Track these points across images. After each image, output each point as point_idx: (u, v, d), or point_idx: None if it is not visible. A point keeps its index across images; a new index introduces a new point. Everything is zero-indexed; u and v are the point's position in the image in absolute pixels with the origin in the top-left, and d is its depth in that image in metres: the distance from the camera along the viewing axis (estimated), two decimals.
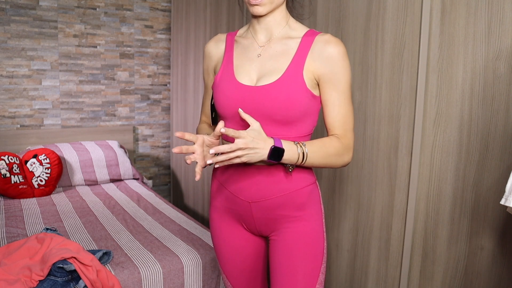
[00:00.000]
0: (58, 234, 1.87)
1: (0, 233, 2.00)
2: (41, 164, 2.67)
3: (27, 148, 2.97)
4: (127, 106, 3.47)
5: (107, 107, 3.38)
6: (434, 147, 1.52)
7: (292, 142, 1.08)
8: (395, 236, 1.68)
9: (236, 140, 1.00)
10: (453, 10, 1.43)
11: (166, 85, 3.62)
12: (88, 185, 2.96)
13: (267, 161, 1.06)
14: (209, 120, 1.35)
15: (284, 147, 1.05)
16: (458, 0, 1.41)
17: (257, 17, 1.16)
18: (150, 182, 3.33)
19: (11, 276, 1.49)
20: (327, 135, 1.17)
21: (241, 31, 1.26)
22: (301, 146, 1.08)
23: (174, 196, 3.66)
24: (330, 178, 1.96)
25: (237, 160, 1.02)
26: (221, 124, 1.04)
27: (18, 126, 3.06)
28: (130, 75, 3.44)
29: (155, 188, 3.68)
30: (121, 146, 3.29)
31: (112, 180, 3.06)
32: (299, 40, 1.14)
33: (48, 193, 2.69)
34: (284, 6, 1.17)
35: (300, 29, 1.17)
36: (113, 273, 1.62)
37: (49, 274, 1.52)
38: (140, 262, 1.72)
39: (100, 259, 1.66)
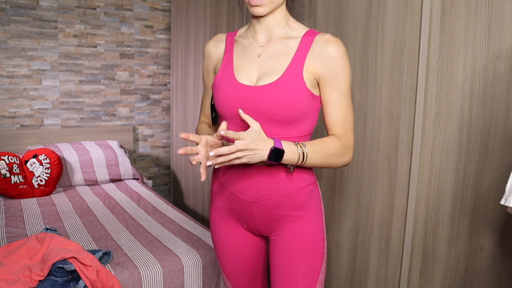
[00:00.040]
0: (58, 234, 1.87)
1: (0, 233, 2.00)
2: (41, 164, 2.67)
3: (27, 148, 2.98)
4: (127, 106, 3.47)
5: (107, 107, 3.38)
6: (434, 147, 1.52)
7: (292, 143, 1.08)
8: (395, 236, 1.68)
9: (235, 142, 1.00)
10: (453, 10, 1.43)
11: (166, 85, 3.62)
12: (88, 185, 2.96)
13: (267, 162, 1.06)
14: (209, 120, 1.35)
15: (284, 147, 1.05)
16: (458, 0, 1.41)
17: (257, 17, 1.16)
18: (150, 182, 3.33)
19: (11, 276, 1.49)
20: (327, 135, 1.17)
21: (241, 31, 1.26)
22: (301, 147, 1.08)
23: (174, 196, 3.66)
24: (330, 178, 1.96)
25: (237, 161, 1.02)
26: (223, 125, 1.03)
27: (18, 126, 3.06)
28: (130, 75, 3.44)
29: (155, 188, 3.68)
30: (121, 146, 3.29)
31: (112, 180, 3.06)
32: (299, 40, 1.14)
33: (48, 193, 2.69)
34: (284, 6, 1.17)
35: (300, 29, 1.17)
36: (113, 273, 1.62)
37: (49, 274, 1.52)
38: (140, 262, 1.72)
39: (100, 259, 1.66)
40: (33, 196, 2.63)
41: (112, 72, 3.36)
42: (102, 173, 2.99)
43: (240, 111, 1.05)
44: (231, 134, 0.99)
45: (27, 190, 2.60)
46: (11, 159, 2.61)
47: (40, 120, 3.14)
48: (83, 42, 3.21)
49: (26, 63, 3.03)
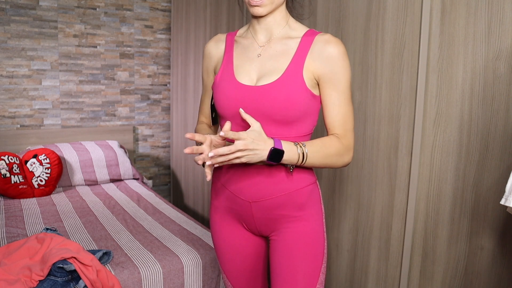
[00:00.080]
0: (58, 234, 1.87)
1: (0, 233, 2.00)
2: (41, 164, 2.67)
3: (27, 148, 2.98)
4: (127, 106, 3.47)
5: (107, 107, 3.38)
6: (434, 147, 1.52)
7: (292, 143, 1.08)
8: (395, 236, 1.68)
9: (236, 142, 0.99)
10: (453, 10, 1.43)
11: (166, 85, 3.62)
12: (88, 185, 2.96)
13: (266, 162, 1.06)
14: (208, 120, 1.35)
15: (284, 148, 1.05)
16: (458, 0, 1.41)
17: (257, 17, 1.16)
18: (150, 182, 3.33)
19: (11, 276, 1.49)
20: (327, 135, 1.17)
21: (241, 31, 1.26)
22: (301, 147, 1.08)
23: (174, 196, 3.66)
24: (330, 178, 1.96)
25: (237, 161, 1.02)
26: (227, 125, 1.02)
27: (18, 126, 3.06)
28: (130, 75, 3.44)
29: (155, 188, 3.68)
30: (121, 146, 3.29)
31: (112, 180, 3.06)
32: (299, 40, 1.14)
33: (48, 193, 2.69)
34: (284, 6, 1.17)
35: (300, 29, 1.17)
36: (113, 273, 1.62)
37: (49, 274, 1.52)
38: (140, 262, 1.72)
39: (100, 259, 1.66)
40: (33, 196, 2.63)
41: (112, 72, 3.36)
42: (102, 173, 2.99)
43: (241, 110, 1.05)
44: (231, 134, 0.99)
45: (27, 190, 2.60)
46: (11, 159, 2.61)
47: (40, 120, 3.14)
48: (83, 42, 3.21)
49: (26, 63, 3.03)
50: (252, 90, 1.11)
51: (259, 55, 1.16)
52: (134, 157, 3.55)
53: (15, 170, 2.58)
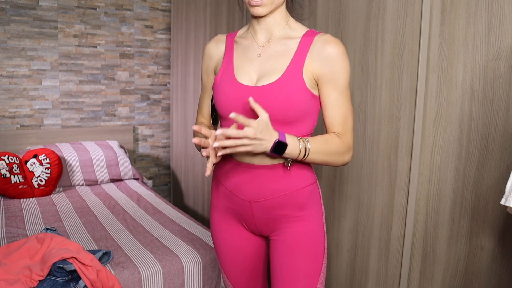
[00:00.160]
0: (58, 234, 1.87)
1: (0, 233, 2.00)
2: (41, 164, 2.67)
3: (27, 148, 2.98)
4: (127, 106, 3.47)
5: (107, 107, 3.38)
6: (434, 147, 1.52)
7: (296, 137, 1.08)
8: (395, 236, 1.68)
9: (245, 128, 0.98)
10: (453, 10, 1.43)
11: (166, 85, 3.62)
12: (88, 185, 2.96)
13: (269, 153, 1.05)
14: (207, 121, 1.35)
15: (287, 141, 1.05)
16: (458, 0, 1.41)
17: (257, 17, 1.16)
18: (150, 182, 3.33)
19: (11, 276, 1.49)
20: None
21: (241, 32, 1.26)
22: (304, 142, 1.08)
23: (174, 196, 3.66)
24: (330, 178, 1.96)
25: (242, 149, 1.00)
26: (233, 114, 0.99)
27: (18, 126, 3.06)
28: (130, 75, 3.44)
29: (155, 188, 3.68)
30: (121, 146, 3.29)
31: (112, 180, 3.06)
32: (299, 40, 1.14)
33: (48, 193, 2.69)
34: (284, 6, 1.17)
35: (299, 29, 1.18)
36: (113, 273, 1.62)
37: (49, 274, 1.52)
38: (140, 262, 1.72)
39: (100, 259, 1.66)
40: (33, 196, 2.63)
41: (112, 72, 3.36)
42: (102, 173, 2.99)
43: (251, 99, 1.02)
44: (241, 118, 0.97)
45: (27, 190, 2.60)
46: (11, 159, 2.61)
47: (40, 120, 3.14)
48: (83, 42, 3.21)
49: (26, 63, 3.03)
50: (252, 90, 1.11)
51: (259, 56, 1.16)
52: (134, 157, 3.55)
53: (15, 170, 2.58)
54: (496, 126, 1.35)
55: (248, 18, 2.40)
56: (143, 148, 3.61)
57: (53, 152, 2.75)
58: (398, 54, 1.61)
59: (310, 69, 1.11)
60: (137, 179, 3.17)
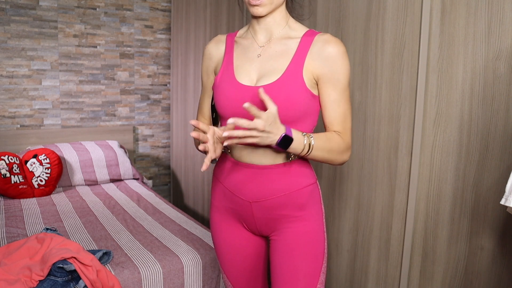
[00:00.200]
0: (58, 234, 1.87)
1: (0, 233, 2.00)
2: (41, 164, 2.67)
3: (27, 148, 2.98)
4: (127, 106, 3.47)
5: (107, 107, 3.38)
6: (434, 147, 1.52)
7: (301, 133, 1.07)
8: (395, 236, 1.68)
9: (256, 121, 0.97)
10: (453, 10, 1.43)
11: (166, 85, 3.62)
12: (88, 185, 2.96)
13: (273, 147, 1.05)
14: (207, 121, 1.35)
15: (293, 136, 1.05)
16: (458, 0, 1.41)
17: (257, 17, 1.16)
18: (150, 182, 3.33)
19: (11, 276, 1.49)
20: None
21: (241, 32, 1.26)
22: (308, 138, 1.07)
23: (174, 196, 3.66)
24: (330, 178, 1.96)
25: (249, 140, 1.00)
26: (246, 104, 0.98)
27: (18, 126, 3.06)
28: (130, 75, 3.44)
29: (155, 188, 3.68)
30: (121, 146, 3.29)
31: (112, 180, 3.06)
32: (299, 40, 1.14)
33: (48, 193, 2.69)
34: (283, 6, 1.17)
35: (299, 29, 1.18)
36: (113, 273, 1.62)
37: (49, 274, 1.52)
38: (140, 262, 1.72)
39: (100, 259, 1.66)
40: (33, 196, 2.63)
41: (112, 72, 3.36)
42: (102, 173, 2.99)
43: (261, 90, 1.00)
44: (254, 110, 0.96)
45: (27, 190, 2.60)
46: (11, 159, 2.61)
47: (40, 120, 3.14)
48: (83, 42, 3.21)
49: (26, 63, 3.03)
50: (252, 91, 1.11)
51: (259, 56, 1.16)
52: (134, 157, 3.55)
53: (15, 170, 2.58)
54: (496, 126, 1.35)
55: (248, 18, 2.40)
56: (143, 148, 3.61)
57: (53, 152, 2.75)
58: (398, 54, 1.61)
59: (310, 68, 1.11)
60: (137, 179, 3.17)
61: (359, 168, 1.82)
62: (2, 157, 2.57)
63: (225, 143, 1.01)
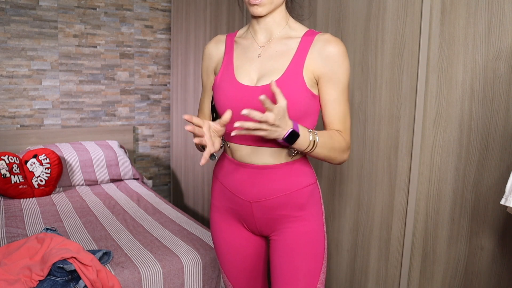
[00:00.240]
0: (58, 234, 1.87)
1: (0, 233, 2.00)
2: (41, 164, 2.67)
3: (27, 148, 2.97)
4: (127, 106, 3.47)
5: (107, 107, 3.38)
6: (434, 147, 1.52)
7: (307, 129, 1.07)
8: (395, 236, 1.68)
9: (266, 113, 0.96)
10: (453, 10, 1.43)
11: (166, 85, 3.62)
12: (88, 185, 2.96)
13: (279, 141, 1.05)
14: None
15: (299, 132, 1.04)
16: (458, 0, 1.41)
17: (257, 17, 1.16)
18: (150, 182, 3.33)
19: (11, 276, 1.49)
20: None
21: (240, 32, 1.26)
22: (313, 134, 1.07)
23: (174, 196, 3.66)
24: (330, 178, 1.96)
25: (258, 133, 0.99)
26: (262, 96, 0.97)
27: (18, 126, 3.06)
28: (130, 75, 3.44)
29: (155, 188, 3.68)
30: (121, 146, 3.29)
31: (112, 180, 3.06)
32: (299, 40, 1.14)
33: (48, 193, 2.69)
34: (283, 6, 1.17)
35: (299, 29, 1.18)
36: (113, 273, 1.62)
37: (49, 274, 1.52)
38: (140, 262, 1.72)
39: (100, 259, 1.66)
40: (33, 196, 2.63)
41: (112, 72, 3.36)
42: (102, 173, 2.99)
43: (273, 82, 0.99)
44: (268, 103, 0.95)
45: (27, 190, 2.60)
46: (11, 159, 2.61)
47: (40, 120, 3.14)
48: (83, 42, 3.21)
49: (26, 63, 3.03)
50: (252, 91, 1.11)
51: (259, 56, 1.16)
52: (134, 157, 3.55)
53: (15, 170, 2.58)
54: (496, 126, 1.35)
55: (248, 18, 2.40)
56: (143, 148, 3.61)
57: (53, 152, 2.75)
58: (398, 54, 1.61)
59: (311, 68, 1.11)
60: (137, 179, 3.17)
61: (359, 168, 1.82)
62: (2, 157, 2.57)
63: (232, 133, 1.00)
